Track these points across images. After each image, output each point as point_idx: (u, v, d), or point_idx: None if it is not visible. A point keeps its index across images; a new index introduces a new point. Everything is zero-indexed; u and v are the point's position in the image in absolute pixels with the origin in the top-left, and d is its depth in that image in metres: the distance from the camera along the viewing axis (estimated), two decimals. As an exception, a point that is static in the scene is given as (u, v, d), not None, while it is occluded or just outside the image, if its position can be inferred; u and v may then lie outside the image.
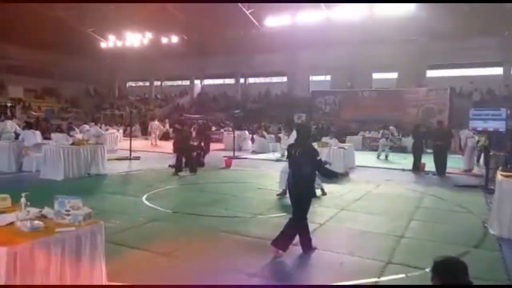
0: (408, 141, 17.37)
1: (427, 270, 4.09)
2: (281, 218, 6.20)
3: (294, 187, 4.66)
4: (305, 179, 4.58)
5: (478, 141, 12.01)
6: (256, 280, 3.86)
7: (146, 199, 7.41)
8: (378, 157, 16.01)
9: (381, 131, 17.52)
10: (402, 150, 18.41)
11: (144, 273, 3.99)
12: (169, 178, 10.06)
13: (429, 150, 13.70)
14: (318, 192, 7.47)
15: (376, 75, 28.35)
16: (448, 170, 11.49)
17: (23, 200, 2.97)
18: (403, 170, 12.18)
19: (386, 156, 15.99)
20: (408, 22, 23.39)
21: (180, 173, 10.49)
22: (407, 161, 13.28)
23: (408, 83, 25.45)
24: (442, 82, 24.67)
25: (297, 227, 4.58)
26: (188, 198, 8.00)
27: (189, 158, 11.02)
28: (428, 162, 11.95)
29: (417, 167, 11.97)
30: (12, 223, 2.80)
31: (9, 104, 27.55)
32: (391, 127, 17.82)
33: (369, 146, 19.63)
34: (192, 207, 6.95)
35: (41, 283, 2.51)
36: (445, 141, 11.73)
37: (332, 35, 25.20)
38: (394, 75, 27.70)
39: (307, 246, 4.60)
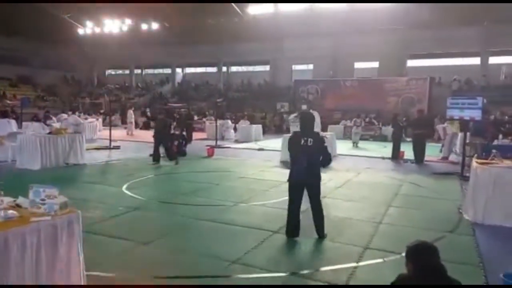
0: (388, 130, 17.74)
1: (403, 254, 4.22)
2: (262, 206, 6.26)
3: (310, 175, 4.67)
4: (318, 166, 4.74)
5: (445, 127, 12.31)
6: (236, 267, 3.89)
7: (126, 188, 7.32)
8: (353, 144, 16.50)
9: (353, 120, 18.75)
10: (383, 138, 18.75)
11: (124, 263, 3.97)
12: (149, 168, 9.96)
13: (409, 139, 13.99)
14: None
15: (357, 64, 28.56)
16: (426, 158, 11.75)
17: (-5, 189, 2.89)
18: (383, 158, 12.40)
19: (354, 143, 16.55)
20: (389, 12, 23.58)
21: (160, 162, 10.38)
22: (387, 149, 13.53)
23: (389, 72, 25.76)
24: (422, 72, 25.08)
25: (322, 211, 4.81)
26: (169, 188, 7.95)
27: (167, 147, 10.88)
28: (408, 151, 12.19)
29: (396, 156, 12.20)
30: (-16, 213, 2.72)
31: (-18, 92, 26.56)
32: (361, 115, 19.43)
33: (350, 135, 19.88)
34: (173, 196, 6.91)
35: (15, 273, 2.46)
36: (424, 129, 11.97)
37: (315, 24, 25.18)
38: (375, 65, 27.98)
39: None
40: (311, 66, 30.45)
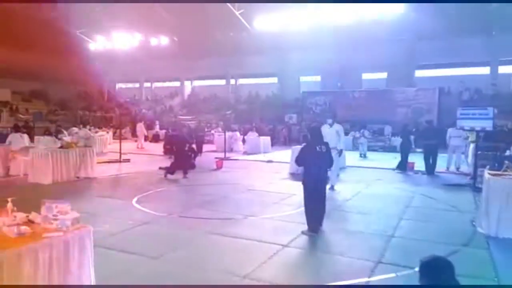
0: (398, 141, 17.63)
1: (417, 269, 4.14)
2: (272, 220, 6.22)
3: (324, 176, 5.76)
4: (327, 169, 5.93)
5: (467, 137, 11.98)
6: (247, 281, 3.85)
7: (136, 202, 7.35)
8: (360, 155, 16.66)
9: (361, 131, 18.79)
10: (393, 149, 18.60)
11: (134, 278, 3.96)
12: (159, 181, 9.99)
13: (419, 150, 13.84)
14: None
15: (366, 76, 28.56)
16: (437, 169, 11.60)
17: (9, 205, 2.93)
18: (393, 169, 12.28)
19: (361, 154, 16.76)
20: (396, 23, 23.62)
21: (170, 176, 10.39)
22: (397, 160, 13.40)
23: (397, 83, 25.69)
24: (431, 82, 24.96)
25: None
26: (179, 201, 7.95)
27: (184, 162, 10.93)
28: (418, 162, 12.06)
29: (404, 167, 12.02)
30: (-2, 229, 2.75)
31: (-4, 107, 27.12)
32: (367, 126, 19.65)
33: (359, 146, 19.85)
34: (183, 209, 6.91)
35: (28, 289, 2.47)
36: (435, 140, 11.83)
37: (322, 36, 25.29)
38: (383, 75, 27.94)
39: None
40: (319, 78, 30.54)
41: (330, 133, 8.59)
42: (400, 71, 26.11)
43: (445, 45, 24.18)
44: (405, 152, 12.38)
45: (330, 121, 9.04)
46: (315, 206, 5.46)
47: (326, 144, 5.72)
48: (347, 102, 25.46)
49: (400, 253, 4.74)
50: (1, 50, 30.51)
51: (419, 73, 27.11)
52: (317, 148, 5.53)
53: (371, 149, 19.14)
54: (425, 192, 8.72)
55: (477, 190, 8.20)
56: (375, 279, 3.95)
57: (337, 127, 8.95)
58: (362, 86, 27.57)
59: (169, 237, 5.40)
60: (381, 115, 23.32)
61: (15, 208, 2.96)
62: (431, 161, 11.53)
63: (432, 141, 11.76)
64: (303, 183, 5.54)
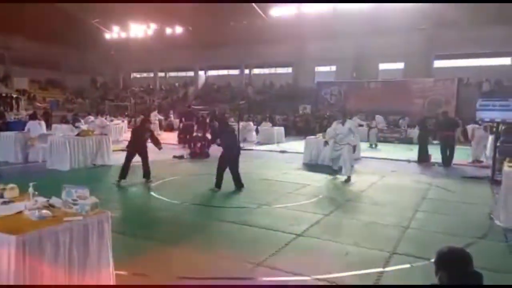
0: (414, 133, 17.41)
1: (432, 260, 4.10)
2: (286, 209, 6.23)
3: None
4: None
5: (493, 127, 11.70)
6: (261, 269, 3.89)
7: (151, 189, 7.45)
8: (370, 145, 16.65)
9: (371, 121, 18.72)
10: (409, 141, 18.34)
11: (149, 263, 4.02)
12: (174, 169, 10.09)
13: (436, 141, 13.63)
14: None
15: (382, 66, 28.08)
16: (454, 161, 11.42)
17: (31, 189, 3.00)
18: (409, 161, 12.12)
19: (371, 145, 16.76)
20: (415, 11, 23.08)
21: (182, 159, 10.57)
22: (413, 152, 13.23)
23: (414, 73, 25.19)
24: (450, 73, 24.39)
25: None
26: (193, 189, 8.01)
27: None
28: (435, 153, 11.88)
29: (423, 159, 11.90)
30: (20, 212, 2.83)
31: (14, 95, 27.69)
32: (377, 117, 19.35)
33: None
34: (197, 197, 6.98)
35: (49, 270, 2.54)
36: (452, 131, 11.64)
37: (338, 25, 24.91)
38: (400, 66, 27.43)
39: None
40: (334, 68, 30.17)
41: (343, 131, 8.76)
42: (418, 61, 25.59)
43: (464, 35, 23.52)
44: (423, 143, 12.21)
45: (340, 120, 9.04)
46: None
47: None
48: (363, 93, 25.13)
49: (415, 245, 4.70)
50: (18, 39, 31.07)
51: (437, 63, 26.50)
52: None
53: (386, 140, 18.92)
54: (441, 184, 8.60)
55: (495, 182, 8.05)
56: (389, 269, 3.94)
57: (349, 124, 8.98)
58: (378, 77, 27.15)
59: (184, 224, 5.48)
60: (397, 106, 22.93)
61: (36, 193, 3.03)
62: (448, 153, 11.34)
63: (449, 132, 11.56)
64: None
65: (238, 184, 7.58)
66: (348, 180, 8.63)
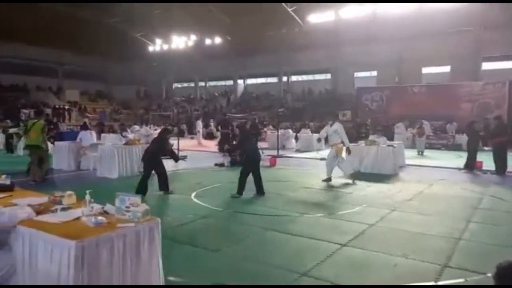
0: (463, 139, 16.55)
1: (489, 275, 3.85)
2: (329, 218, 6.13)
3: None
4: None
5: None
6: (306, 279, 3.84)
7: (195, 197, 7.61)
8: (418, 153, 16.08)
9: (416, 127, 17.79)
10: (457, 148, 17.47)
11: (195, 269, 4.10)
12: (215, 176, 10.25)
13: (487, 148, 12.88)
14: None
15: (426, 69, 27.09)
16: (508, 169, 10.71)
17: (87, 197, 3.17)
18: (458, 169, 11.53)
19: (419, 152, 16.18)
20: (460, 13, 22.11)
21: (223, 167, 10.72)
22: (462, 159, 12.57)
23: (461, 77, 24.06)
24: (499, 75, 23.02)
25: None
26: (236, 196, 8.08)
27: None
28: (486, 161, 11.22)
29: (472, 166, 11.27)
30: (78, 218, 2.99)
31: (66, 107, 29.52)
32: (425, 123, 18.43)
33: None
34: (239, 205, 7.04)
35: (105, 275, 2.66)
36: (505, 137, 10.94)
37: (378, 29, 24.42)
38: (446, 69, 26.32)
39: None
40: (374, 73, 29.49)
41: (329, 132, 9.48)
42: (464, 64, 24.45)
43: (515, 35, 22.20)
44: (472, 150, 11.57)
45: (330, 122, 9.75)
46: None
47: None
48: (406, 98, 24.33)
49: (469, 257, 4.45)
50: (69, 54, 33.21)
51: (486, 66, 25.16)
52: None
53: (433, 147, 18.14)
54: (495, 193, 8.09)
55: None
56: (442, 284, 3.75)
57: (336, 126, 9.50)
58: (421, 81, 26.18)
59: (227, 231, 5.54)
60: (443, 111, 21.96)
61: (92, 200, 3.19)
62: (501, 160, 10.67)
63: (502, 138, 10.88)
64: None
65: (260, 191, 7.71)
66: (327, 180, 9.21)
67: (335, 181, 9.58)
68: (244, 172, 7.72)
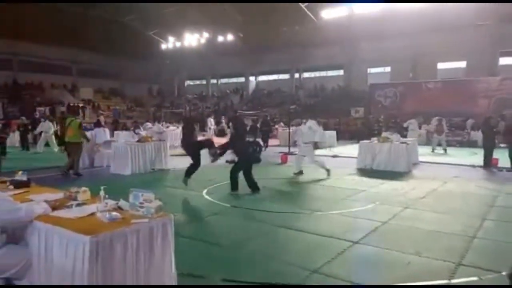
0: (478, 135, 16.22)
1: (503, 273, 3.79)
2: (340, 216, 6.11)
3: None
4: None
5: None
6: (317, 276, 3.84)
7: (206, 193, 7.66)
8: (432, 150, 15.61)
9: (434, 125, 16.92)
10: (472, 144, 17.15)
11: (207, 264, 4.14)
12: (226, 173, 10.27)
13: (503, 145, 12.62)
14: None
15: (441, 65, 26.63)
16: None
17: (102, 193, 3.22)
18: (473, 166, 11.34)
19: (434, 149, 15.70)
20: (476, 6, 21.65)
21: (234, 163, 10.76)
22: (478, 156, 12.36)
23: (478, 72, 23.58)
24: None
25: None
26: (246, 193, 8.12)
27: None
28: (502, 158, 11.00)
29: (489, 163, 11.06)
30: (92, 214, 3.05)
31: (80, 105, 29.98)
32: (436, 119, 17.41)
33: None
34: (250, 202, 7.06)
35: (119, 269, 2.71)
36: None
37: (391, 24, 24.08)
38: (461, 64, 25.84)
39: None
40: (388, 69, 29.13)
41: (304, 130, 9.82)
42: (481, 59, 23.95)
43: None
44: (488, 147, 11.35)
45: (304, 120, 10.24)
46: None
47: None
48: (420, 94, 23.94)
49: (483, 256, 4.38)
50: (84, 52, 33.65)
51: (503, 61, 24.60)
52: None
53: (448, 144, 17.82)
54: (511, 191, 7.93)
55: None
56: (455, 282, 3.70)
57: (309, 123, 9.84)
58: (437, 77, 25.76)
59: (238, 228, 5.56)
60: (459, 107, 21.55)
61: (106, 196, 3.25)
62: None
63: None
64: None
65: (254, 188, 7.73)
66: (297, 173, 9.77)
67: (346, 179, 9.54)
68: (233, 171, 7.80)
